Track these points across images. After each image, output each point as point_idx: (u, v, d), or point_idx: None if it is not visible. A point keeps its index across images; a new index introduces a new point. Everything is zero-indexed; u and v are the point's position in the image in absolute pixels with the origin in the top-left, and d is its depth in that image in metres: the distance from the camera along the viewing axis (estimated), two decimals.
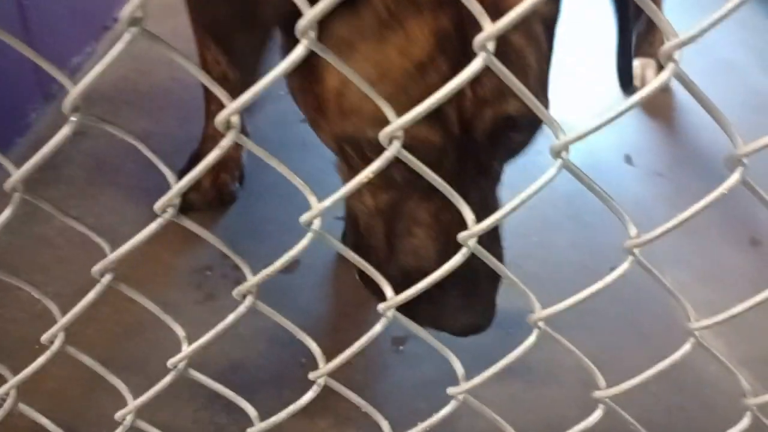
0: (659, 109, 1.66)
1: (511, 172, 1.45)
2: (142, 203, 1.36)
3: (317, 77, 0.81)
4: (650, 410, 1.02)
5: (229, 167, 1.39)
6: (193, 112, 1.59)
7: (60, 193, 1.38)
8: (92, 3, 1.74)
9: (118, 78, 1.69)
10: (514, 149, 0.85)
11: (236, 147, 1.38)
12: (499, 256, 0.87)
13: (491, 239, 0.85)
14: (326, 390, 0.68)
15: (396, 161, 0.59)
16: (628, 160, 1.49)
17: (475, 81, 0.73)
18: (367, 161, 0.80)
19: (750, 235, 1.33)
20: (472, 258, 0.62)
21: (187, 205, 1.34)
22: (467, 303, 0.82)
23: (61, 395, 1.03)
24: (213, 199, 1.37)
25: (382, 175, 0.76)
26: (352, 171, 0.85)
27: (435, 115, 0.72)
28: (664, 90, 1.70)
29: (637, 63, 1.74)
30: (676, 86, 1.70)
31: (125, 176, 1.43)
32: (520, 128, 0.81)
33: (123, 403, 0.73)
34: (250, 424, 0.70)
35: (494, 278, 0.86)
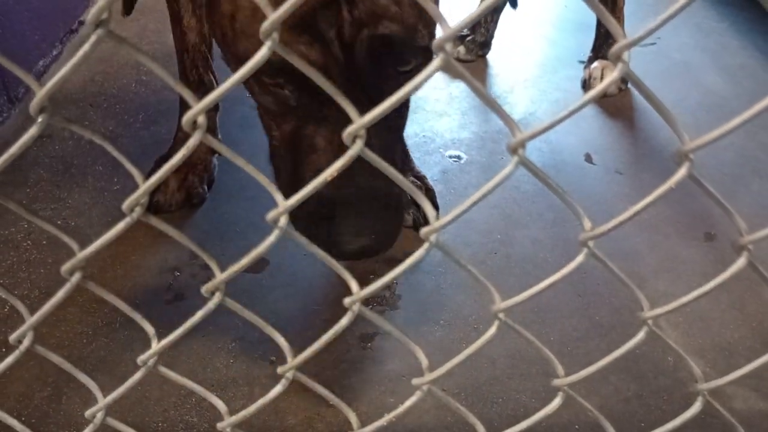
0: (619, 109, 1.70)
1: (477, 173, 1.49)
2: (110, 205, 1.37)
3: (214, 6, 0.89)
4: (611, 400, 1.05)
5: (197, 169, 1.39)
6: (160, 115, 1.60)
7: (27, 196, 1.37)
8: (58, 5, 1.73)
9: (85, 80, 1.69)
10: (397, 75, 0.88)
11: (206, 150, 1.39)
12: (394, 165, 0.86)
13: (386, 152, 0.87)
14: (296, 388, 0.69)
15: (288, 81, 0.73)
16: (589, 158, 1.53)
17: (351, 4, 0.81)
18: (267, 91, 0.88)
19: (705, 230, 1.37)
20: (367, 180, 0.68)
21: (154, 207, 1.34)
22: (360, 225, 0.85)
23: (28, 397, 1.03)
24: (180, 201, 1.37)
25: (279, 102, 0.89)
26: (262, 109, 0.94)
27: (313, 34, 0.81)
28: (624, 92, 1.75)
29: (597, 65, 1.78)
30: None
31: (92, 179, 1.43)
32: (398, 49, 0.85)
33: (92, 404, 0.74)
34: (221, 421, 0.71)
35: (390, 200, 0.88)
